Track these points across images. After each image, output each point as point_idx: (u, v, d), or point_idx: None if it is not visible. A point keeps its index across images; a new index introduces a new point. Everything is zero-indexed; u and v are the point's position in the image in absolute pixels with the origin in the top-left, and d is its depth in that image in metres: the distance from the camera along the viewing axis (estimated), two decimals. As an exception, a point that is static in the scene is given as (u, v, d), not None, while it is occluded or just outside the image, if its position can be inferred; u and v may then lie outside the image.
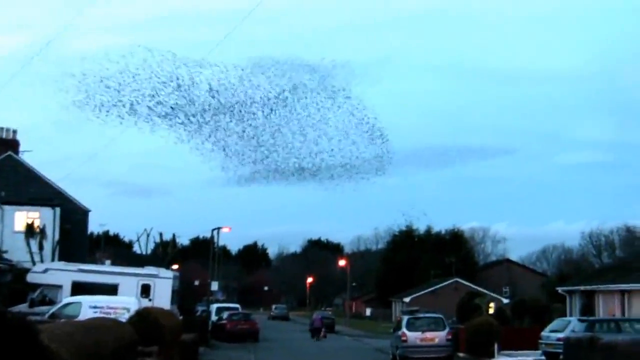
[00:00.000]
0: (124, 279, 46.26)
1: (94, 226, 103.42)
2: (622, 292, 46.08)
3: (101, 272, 47.79)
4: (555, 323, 39.18)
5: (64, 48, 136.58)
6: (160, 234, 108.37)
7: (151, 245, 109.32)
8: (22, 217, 55.44)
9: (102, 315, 31.10)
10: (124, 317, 30.55)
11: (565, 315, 49.57)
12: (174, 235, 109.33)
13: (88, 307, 34.92)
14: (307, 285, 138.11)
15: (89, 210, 63.52)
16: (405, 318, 41.34)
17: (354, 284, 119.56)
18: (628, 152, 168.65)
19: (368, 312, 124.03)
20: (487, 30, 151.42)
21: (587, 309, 48.60)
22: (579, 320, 37.60)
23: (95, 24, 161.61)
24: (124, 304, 35.31)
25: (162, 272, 49.59)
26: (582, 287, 51.27)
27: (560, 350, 33.23)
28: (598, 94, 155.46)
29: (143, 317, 27.28)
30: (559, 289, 55.77)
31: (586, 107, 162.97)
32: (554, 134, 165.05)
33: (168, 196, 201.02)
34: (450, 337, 39.88)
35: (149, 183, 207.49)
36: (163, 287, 46.87)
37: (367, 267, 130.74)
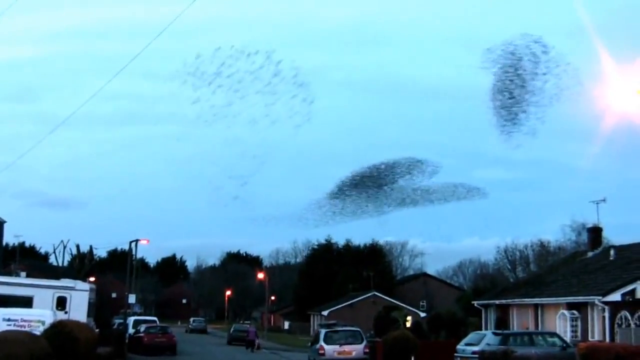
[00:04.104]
0: (39, 291, 45.44)
1: (9, 237, 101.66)
2: (536, 306, 46.97)
3: (15, 284, 46.91)
4: (471, 336, 39.68)
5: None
6: (77, 246, 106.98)
7: (68, 257, 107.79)
8: None
9: (16, 328, 30.56)
10: (39, 330, 30.10)
11: (481, 329, 50.26)
12: (90, 247, 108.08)
13: (1, 319, 34.18)
14: (226, 298, 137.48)
15: (4, 221, 62.40)
16: (322, 331, 41.46)
17: (272, 297, 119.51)
18: (541, 170, 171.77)
19: (286, 325, 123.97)
20: (404, 47, 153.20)
21: (502, 323, 49.37)
22: (494, 333, 38.12)
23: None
24: (39, 316, 34.70)
25: (79, 284, 48.90)
26: (497, 301, 52.08)
27: (476, 363, 33.73)
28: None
29: (58, 330, 26.97)
30: (475, 303, 56.53)
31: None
32: (471, 150, 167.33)
33: (85, 208, 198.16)
34: (367, 350, 40.15)
35: (66, 194, 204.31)
36: (79, 299, 46.20)
37: (286, 280, 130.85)
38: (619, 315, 38.32)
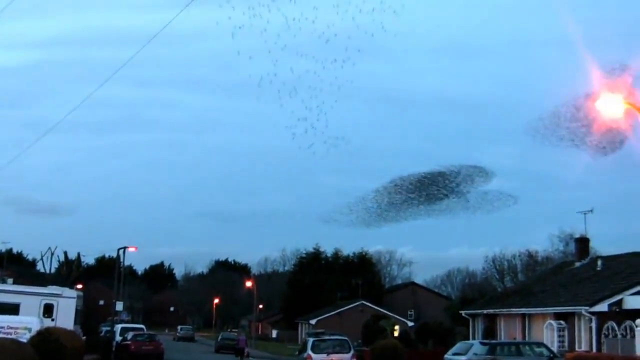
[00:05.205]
0: (26, 298, 45.31)
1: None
2: (523, 316, 47.07)
3: (2, 290, 46.73)
4: (458, 346, 39.74)
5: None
6: (65, 253, 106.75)
7: (55, 264, 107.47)
8: None
9: (2, 335, 30.46)
10: (25, 337, 30.01)
11: (468, 338, 50.34)
12: (78, 254, 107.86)
13: (-12, 326, 34.11)
14: (214, 306, 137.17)
15: (-9, 228, 62.10)
16: (310, 340, 41.40)
17: (260, 305, 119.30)
18: (528, 180, 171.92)
19: (274, 333, 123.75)
20: (396, 57, 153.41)
21: (489, 332, 49.45)
22: (481, 343, 38.19)
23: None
24: (25, 323, 34.60)
25: (66, 291, 48.78)
26: (484, 311, 52.15)
27: (463, 373, 33.78)
28: (502, 123, 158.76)
29: (44, 338, 26.89)
30: (463, 312, 56.61)
31: (490, 135, 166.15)
32: (458, 160, 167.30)
33: (74, 214, 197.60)
34: (355, 359, 40.11)
35: (55, 201, 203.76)
36: (66, 307, 46.07)
37: (274, 288, 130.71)
38: (605, 326, 38.46)
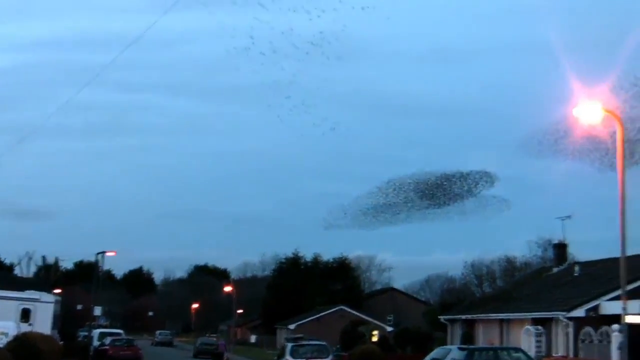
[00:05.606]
0: (3, 303, 45.08)
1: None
2: (501, 321, 47.25)
3: (-21, 295, 46.52)
4: (436, 351, 39.77)
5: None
6: (43, 257, 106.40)
7: (33, 269, 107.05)
8: None
9: (-22, 340, 30.32)
10: (2, 342, 29.90)
11: (447, 344, 50.47)
12: (56, 259, 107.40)
13: (-36, 331, 33.93)
14: (193, 311, 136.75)
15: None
16: (289, 345, 41.41)
17: (239, 310, 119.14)
18: (509, 186, 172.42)
19: (253, 338, 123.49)
20: (381, 61, 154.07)
21: (468, 338, 49.60)
22: (459, 348, 38.22)
23: None
24: (2, 328, 34.46)
25: (44, 296, 48.55)
26: (463, 316, 52.31)
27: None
28: (485, 129, 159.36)
29: (22, 343, 26.77)
30: (441, 318, 56.74)
31: (473, 141, 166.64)
32: (437, 167, 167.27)
33: (53, 218, 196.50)
34: (333, 364, 40.17)
35: (34, 204, 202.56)
36: (44, 311, 45.88)
37: (254, 293, 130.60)
38: (582, 331, 38.69)
